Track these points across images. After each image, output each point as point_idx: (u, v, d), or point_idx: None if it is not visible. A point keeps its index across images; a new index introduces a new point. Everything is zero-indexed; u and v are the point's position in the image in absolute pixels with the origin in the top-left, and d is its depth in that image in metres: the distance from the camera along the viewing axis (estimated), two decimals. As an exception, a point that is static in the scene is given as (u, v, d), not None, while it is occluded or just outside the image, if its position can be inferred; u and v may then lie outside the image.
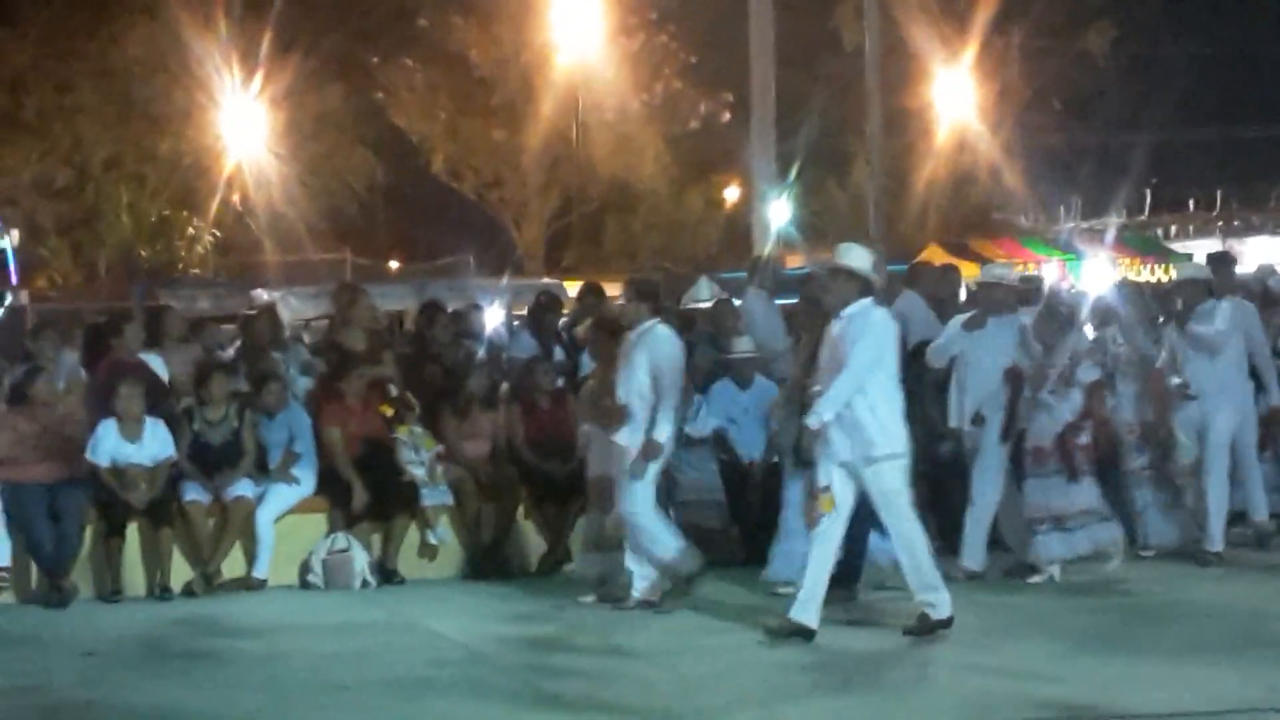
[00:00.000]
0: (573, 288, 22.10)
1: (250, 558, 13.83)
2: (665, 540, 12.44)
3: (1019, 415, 13.29)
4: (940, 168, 44.45)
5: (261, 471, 14.06)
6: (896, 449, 11.22)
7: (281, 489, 13.96)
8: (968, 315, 13.65)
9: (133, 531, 13.56)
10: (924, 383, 14.68)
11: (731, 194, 48.25)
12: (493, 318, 18.59)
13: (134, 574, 13.57)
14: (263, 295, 30.42)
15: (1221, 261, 15.59)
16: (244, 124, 40.93)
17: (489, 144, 43.64)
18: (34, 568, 13.47)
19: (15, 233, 36.29)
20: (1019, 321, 13.57)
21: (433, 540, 14.02)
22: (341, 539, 13.89)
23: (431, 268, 43.62)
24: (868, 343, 11.12)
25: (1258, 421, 14.64)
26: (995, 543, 13.72)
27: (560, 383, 15.17)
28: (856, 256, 11.42)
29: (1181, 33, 48.31)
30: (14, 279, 35.63)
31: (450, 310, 17.36)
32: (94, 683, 10.72)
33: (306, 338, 19.52)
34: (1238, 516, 14.70)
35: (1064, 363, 13.24)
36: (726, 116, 43.79)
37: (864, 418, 11.07)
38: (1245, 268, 24.32)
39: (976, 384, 13.47)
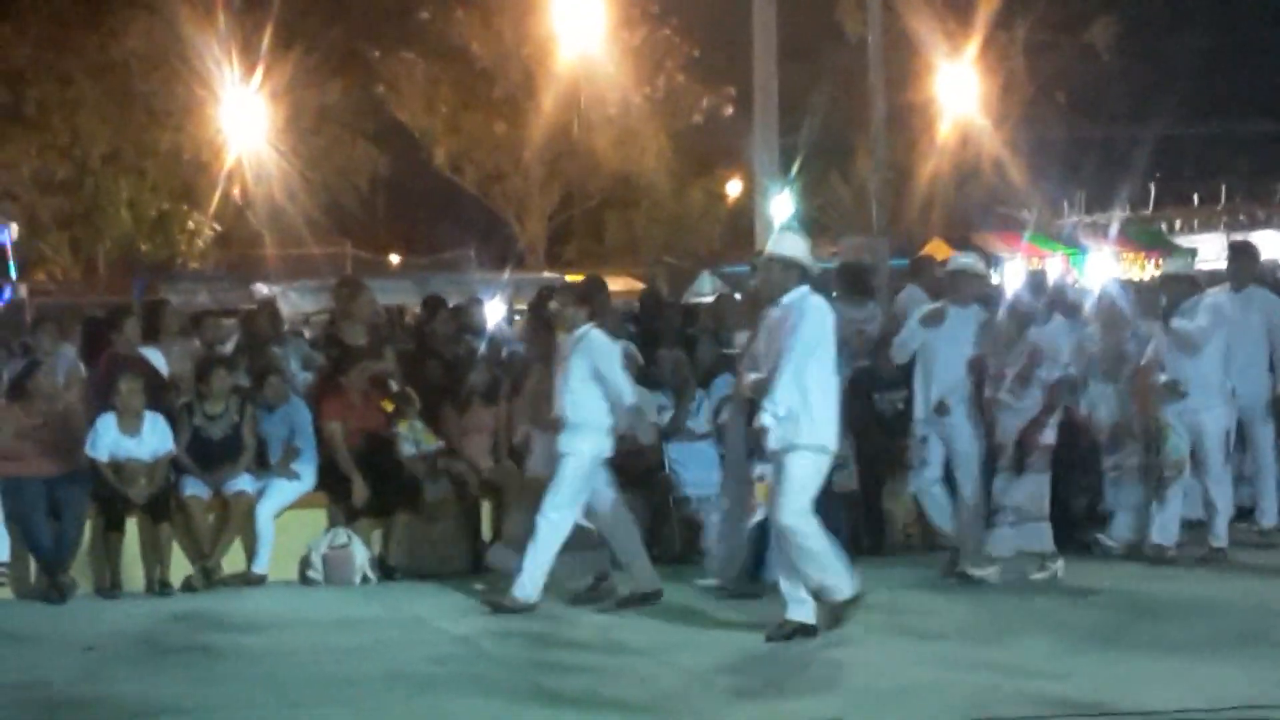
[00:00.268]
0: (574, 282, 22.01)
1: (250, 553, 13.80)
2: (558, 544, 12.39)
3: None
4: (944, 162, 44.40)
5: (261, 466, 14.03)
6: (821, 441, 11.03)
7: (281, 484, 13.91)
8: (927, 310, 13.58)
9: (132, 526, 13.53)
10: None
11: (734, 188, 48.24)
12: (494, 312, 18.53)
13: (133, 569, 13.54)
14: (263, 290, 30.40)
15: (1243, 252, 15.42)
16: (244, 118, 40.89)
17: (490, 138, 43.60)
18: (33, 563, 13.44)
19: (14, 227, 36.25)
20: (981, 312, 13.47)
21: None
22: (342, 534, 13.86)
23: (433, 262, 43.62)
24: (804, 331, 10.96)
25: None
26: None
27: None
28: (792, 245, 11.33)
29: (1186, 27, 48.29)
30: (13, 273, 35.60)
31: (451, 305, 17.32)
32: (93, 678, 10.69)
33: (307, 332, 19.49)
34: (1244, 512, 14.65)
35: (1022, 362, 13.09)
36: (729, 110, 43.73)
37: (796, 407, 10.91)
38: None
39: (940, 375, 13.39)
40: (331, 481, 14.04)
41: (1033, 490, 12.98)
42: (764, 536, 11.98)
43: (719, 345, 15.61)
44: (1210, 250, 37.19)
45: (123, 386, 13.65)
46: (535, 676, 10.40)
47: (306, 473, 14.03)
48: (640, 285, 25.36)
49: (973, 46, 43.49)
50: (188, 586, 13.49)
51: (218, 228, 43.06)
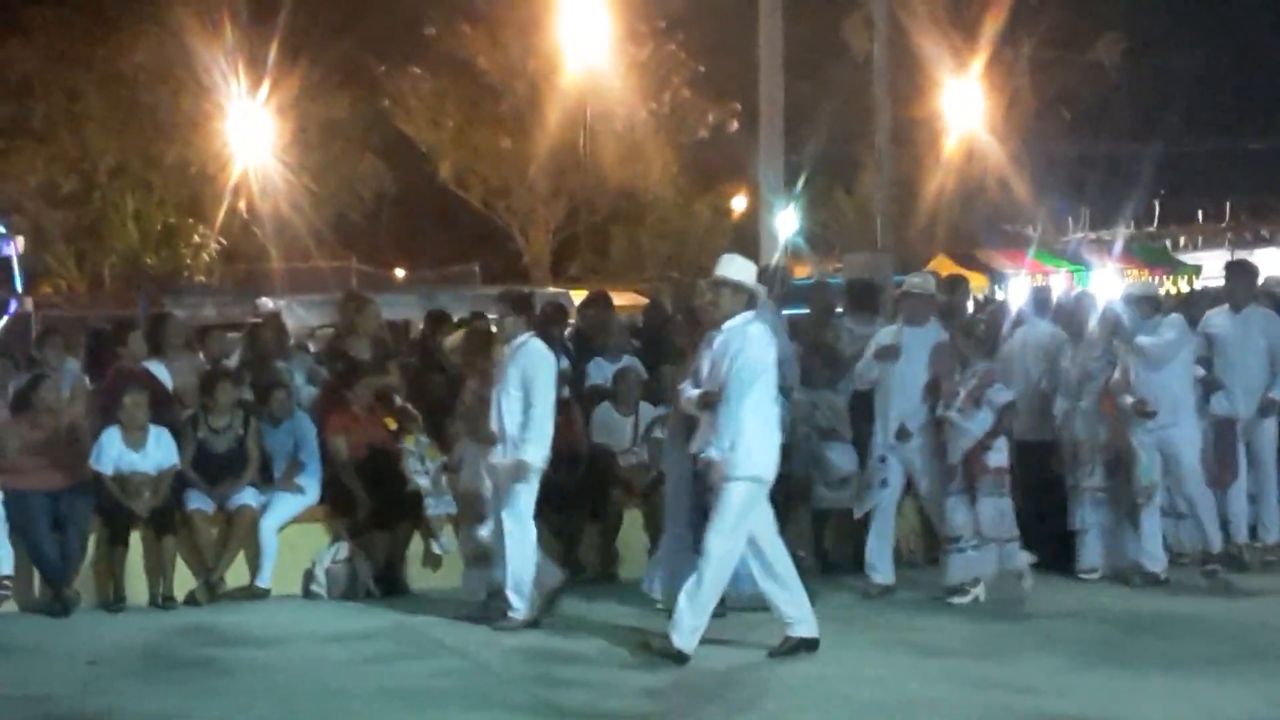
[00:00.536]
0: (579, 297, 22.05)
1: (254, 567, 13.78)
2: (529, 556, 12.38)
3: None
4: (949, 178, 44.43)
5: (266, 480, 14.03)
6: (752, 471, 10.95)
7: (285, 498, 13.91)
8: (881, 346, 13.54)
9: (136, 540, 13.51)
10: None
11: (739, 203, 48.26)
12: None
13: (137, 583, 13.52)
14: (268, 303, 30.40)
15: (1240, 271, 15.36)
16: (251, 132, 40.95)
17: (496, 152, 43.64)
18: (37, 576, 13.43)
19: (21, 240, 36.29)
20: (937, 333, 13.46)
21: (437, 550, 13.93)
22: (345, 548, 13.84)
23: (437, 276, 43.65)
24: (746, 359, 10.91)
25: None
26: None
27: (565, 392, 15.10)
28: (739, 269, 11.25)
29: (1192, 44, 48.31)
30: (19, 286, 35.63)
31: (455, 319, 17.32)
32: (97, 692, 10.69)
33: (312, 346, 19.48)
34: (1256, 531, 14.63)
35: (972, 383, 13.05)
36: (734, 126, 43.76)
37: (733, 437, 10.85)
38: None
39: (898, 398, 13.40)
40: (335, 496, 14.03)
41: (992, 514, 12.88)
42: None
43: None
44: (1214, 267, 37.19)
45: (127, 400, 13.66)
46: (536, 690, 10.42)
47: (310, 487, 14.02)
48: (645, 300, 25.34)
49: (978, 63, 43.55)
50: (191, 600, 13.48)
51: (223, 241, 43.09)
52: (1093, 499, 13.88)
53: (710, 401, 10.99)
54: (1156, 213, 52.46)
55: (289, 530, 13.86)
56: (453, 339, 14.62)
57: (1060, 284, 34.95)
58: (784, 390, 14.98)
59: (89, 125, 40.94)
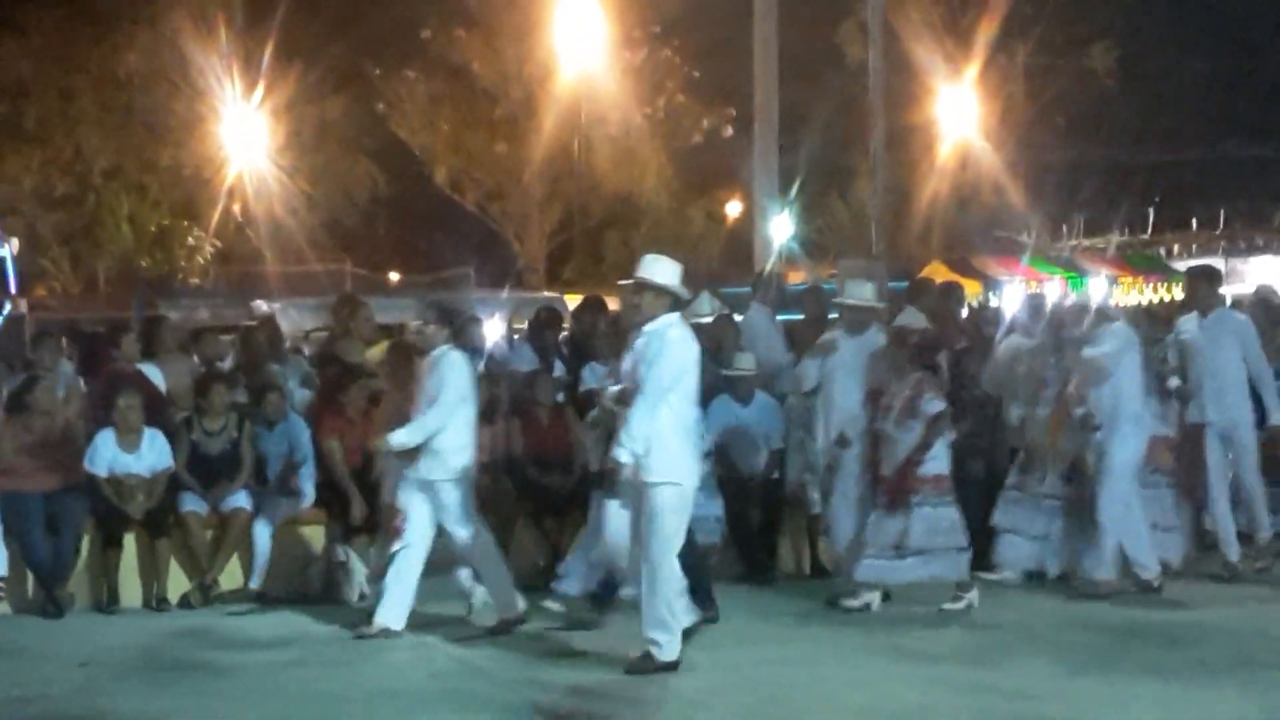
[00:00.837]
0: (574, 301, 22.05)
1: (248, 569, 13.78)
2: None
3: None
4: (943, 184, 44.46)
5: (260, 483, 14.04)
6: (673, 477, 10.82)
7: (279, 500, 13.92)
8: (820, 342, 13.65)
9: (130, 542, 13.54)
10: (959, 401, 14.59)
11: (733, 209, 48.27)
12: (493, 331, 18.52)
13: (131, 585, 13.54)
14: (262, 306, 30.39)
15: (1204, 277, 15.18)
16: (245, 134, 40.93)
17: (491, 156, 43.64)
18: (31, 578, 13.43)
19: (15, 241, 36.21)
20: (877, 342, 13.43)
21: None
22: (339, 551, 13.84)
23: (432, 280, 43.61)
24: (663, 363, 10.79)
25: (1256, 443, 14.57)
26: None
27: (560, 397, 15.12)
28: (662, 271, 11.10)
29: (1186, 52, 48.37)
30: (13, 288, 35.58)
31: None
32: (90, 694, 10.69)
33: (306, 349, 19.48)
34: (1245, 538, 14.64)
35: (906, 393, 12.98)
36: (729, 131, 43.78)
37: (649, 441, 10.74)
38: (1246, 288, 24.31)
39: (839, 406, 13.41)
40: (329, 498, 14.04)
41: (930, 524, 12.79)
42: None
43: (717, 366, 15.63)
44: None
45: (121, 402, 13.67)
46: (529, 695, 10.40)
47: (304, 489, 14.04)
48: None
49: (973, 70, 43.58)
50: (185, 603, 13.50)
51: (218, 244, 43.05)
52: (1049, 507, 13.80)
53: (625, 399, 10.88)
54: (1150, 220, 52.49)
55: (282, 533, 13.87)
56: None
57: (1055, 291, 34.92)
58: (780, 396, 15.09)
59: (84, 127, 40.90)
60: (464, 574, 12.77)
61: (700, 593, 11.80)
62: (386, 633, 11.97)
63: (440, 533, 12.29)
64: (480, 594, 12.74)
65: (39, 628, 12.90)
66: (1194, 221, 53.28)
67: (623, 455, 10.74)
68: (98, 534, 13.50)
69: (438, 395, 12.10)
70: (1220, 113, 51.94)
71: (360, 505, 13.78)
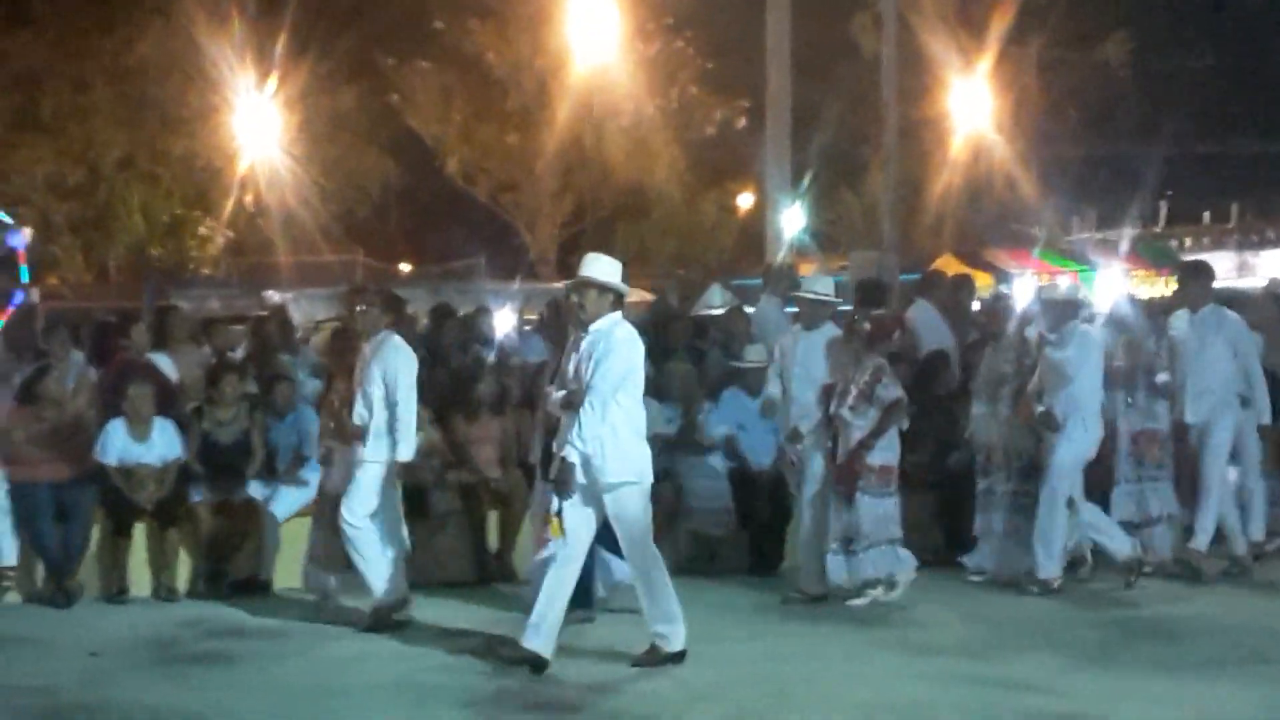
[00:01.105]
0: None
1: (257, 559, 13.79)
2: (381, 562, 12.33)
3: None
4: (955, 177, 44.36)
5: (270, 473, 14.04)
6: (631, 476, 10.75)
7: (289, 491, 13.92)
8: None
9: (140, 532, 13.55)
10: (932, 394, 14.67)
11: (745, 201, 48.21)
12: (503, 322, 18.52)
13: (140, 575, 13.55)
14: (274, 296, 30.42)
15: (1196, 272, 14.92)
16: (258, 125, 40.93)
17: (503, 148, 43.61)
18: (40, 567, 13.45)
19: (28, 231, 36.25)
20: (833, 335, 13.41)
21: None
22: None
23: (443, 271, 43.63)
24: (611, 363, 10.66)
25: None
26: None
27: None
28: (605, 269, 10.97)
29: (1200, 45, 48.29)
30: (25, 278, 35.62)
31: (460, 314, 17.32)
32: (99, 684, 10.72)
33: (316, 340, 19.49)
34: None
35: (864, 379, 12.95)
36: (742, 123, 43.72)
37: (602, 442, 10.63)
38: (1259, 281, 24.25)
39: (796, 399, 13.39)
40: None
41: (874, 514, 12.80)
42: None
43: (728, 357, 15.64)
44: (1221, 268, 37.21)
45: (132, 392, 13.69)
46: (538, 688, 10.42)
47: (314, 480, 14.01)
48: (651, 296, 25.34)
49: (986, 62, 43.48)
50: (194, 593, 13.51)
51: (230, 234, 43.07)
52: (1011, 503, 13.80)
53: (572, 404, 10.74)
54: (1163, 213, 52.45)
55: (292, 523, 13.86)
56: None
57: (1065, 284, 34.87)
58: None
59: (96, 117, 40.91)
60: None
61: (581, 592, 11.68)
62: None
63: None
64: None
65: (48, 617, 12.92)
66: (1207, 215, 53.23)
67: (572, 455, 10.59)
68: (107, 523, 13.53)
69: (393, 382, 12.09)
70: (1234, 106, 51.88)
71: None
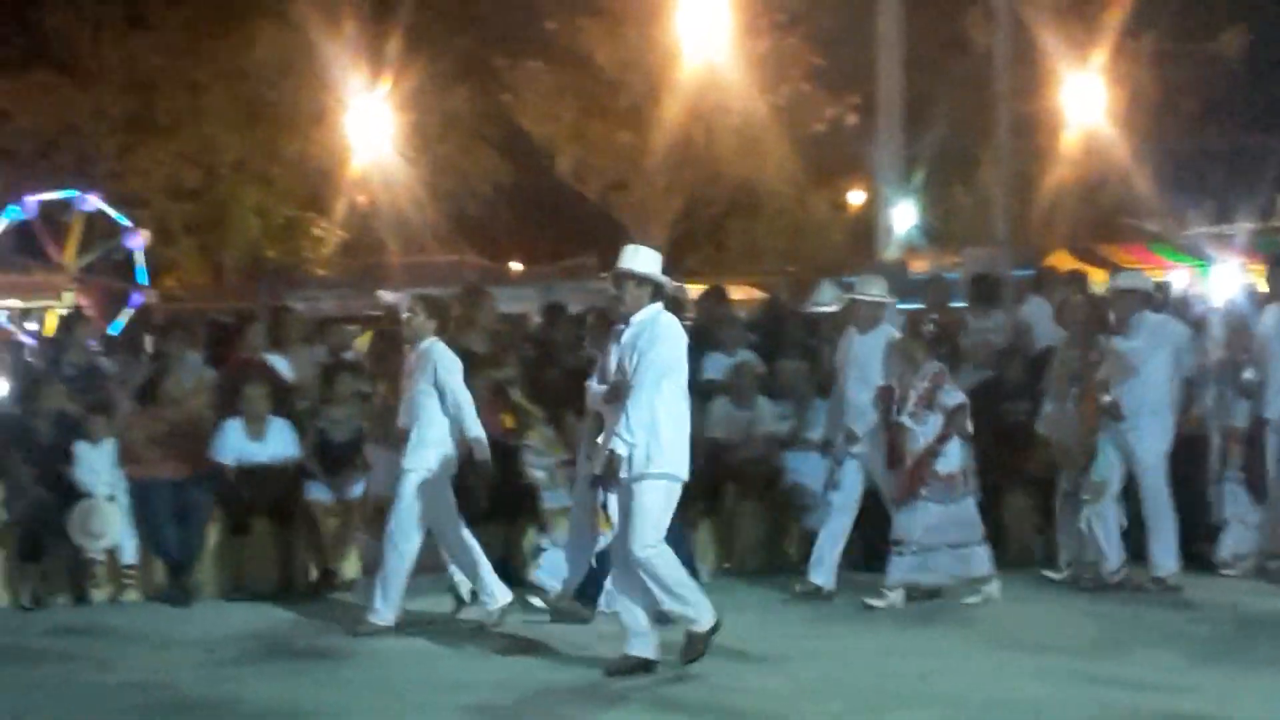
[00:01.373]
0: (696, 291, 22.04)
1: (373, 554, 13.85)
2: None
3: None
4: (1068, 172, 43.98)
5: (385, 471, 14.10)
6: (668, 469, 10.59)
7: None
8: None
9: (256, 530, 13.66)
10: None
11: (856, 197, 48.00)
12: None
13: (257, 572, 13.67)
14: (388, 296, 30.59)
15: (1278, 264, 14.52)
16: (370, 125, 41.22)
17: (614, 146, 43.61)
18: (159, 565, 13.60)
19: (145, 233, 36.74)
20: (888, 335, 13.27)
21: (546, 545, 13.92)
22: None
23: (555, 269, 43.72)
24: (655, 355, 10.51)
25: None
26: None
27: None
28: (644, 260, 10.83)
29: (1317, 36, 47.57)
30: (143, 279, 36.08)
31: (572, 312, 17.35)
32: (216, 680, 10.84)
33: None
34: None
35: (924, 386, 12.83)
36: (853, 119, 43.53)
37: (644, 433, 10.49)
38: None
39: (850, 401, 13.29)
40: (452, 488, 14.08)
41: (936, 519, 12.69)
42: (604, 563, 11.69)
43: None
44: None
45: (248, 392, 13.83)
46: (654, 686, 10.41)
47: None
48: (762, 294, 25.30)
49: (1100, 55, 43.07)
50: (310, 590, 13.61)
51: (343, 234, 43.40)
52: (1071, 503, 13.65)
53: (617, 395, 10.64)
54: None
55: (407, 521, 13.92)
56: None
57: (1181, 279, 34.49)
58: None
59: (212, 120, 41.35)
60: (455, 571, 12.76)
61: (592, 590, 11.79)
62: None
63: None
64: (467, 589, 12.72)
65: (167, 614, 13.07)
66: (1326, 208, 52.45)
67: (620, 447, 10.47)
68: (225, 522, 13.66)
69: (443, 387, 12.07)
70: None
71: (484, 495, 13.80)
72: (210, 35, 41.40)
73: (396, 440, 12.33)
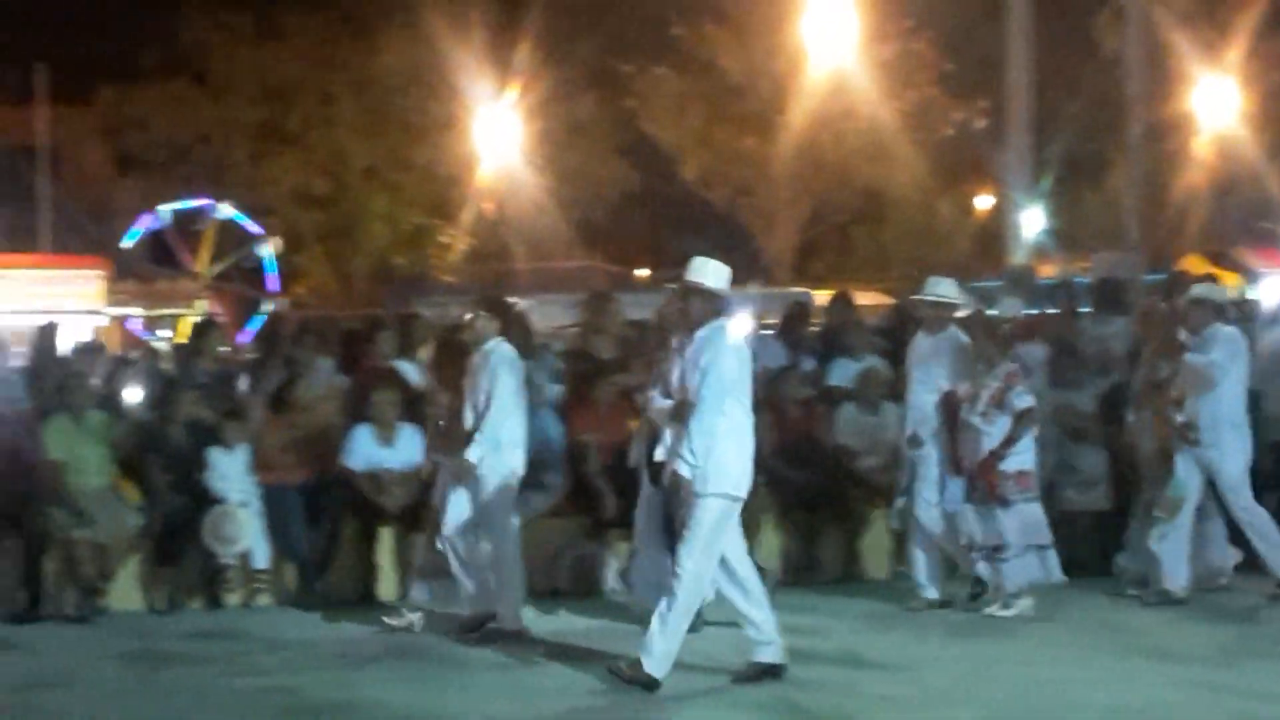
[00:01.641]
0: (823, 297, 22.00)
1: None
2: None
3: (955, 442, 12.85)
4: (1200, 175, 43.46)
5: (511, 477, 14.16)
6: (726, 489, 10.39)
7: (530, 495, 14.02)
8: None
9: (386, 535, 13.76)
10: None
11: (984, 202, 47.70)
12: (741, 326, 18.48)
13: (387, 577, 13.76)
14: (515, 303, 30.72)
15: None
16: (497, 133, 41.46)
17: (740, 152, 43.61)
18: (291, 570, 13.74)
19: (276, 241, 37.18)
20: (956, 338, 13.11)
21: None
22: (589, 546, 13.95)
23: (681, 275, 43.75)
24: (718, 372, 10.32)
25: None
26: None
27: (810, 392, 15.09)
28: (714, 274, 10.64)
29: None
30: (274, 286, 36.52)
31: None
32: (346, 685, 10.92)
33: (557, 345, 19.64)
34: None
35: (996, 385, 12.66)
36: (981, 124, 43.24)
37: (705, 452, 10.33)
38: None
39: (914, 404, 13.17)
40: (578, 493, 14.14)
41: (1019, 521, 12.55)
42: None
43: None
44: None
45: (378, 398, 13.92)
46: (782, 692, 10.38)
47: (554, 484, 14.15)
48: (888, 300, 25.20)
49: (1233, 58, 42.54)
50: (438, 595, 13.67)
51: (470, 241, 43.67)
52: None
53: (682, 413, 10.47)
54: None
55: (533, 527, 13.97)
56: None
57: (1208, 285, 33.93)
58: (1036, 392, 14.90)
59: (342, 128, 41.80)
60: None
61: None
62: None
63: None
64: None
65: (298, 618, 13.20)
66: None
67: (683, 469, 10.38)
68: (355, 527, 13.77)
69: (491, 390, 12.02)
70: None
71: (612, 500, 13.85)
72: (340, 45, 41.88)
73: (460, 445, 12.21)
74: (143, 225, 36.39)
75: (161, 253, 37.46)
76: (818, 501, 14.15)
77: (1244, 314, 15.90)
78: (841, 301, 17.43)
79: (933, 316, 13.28)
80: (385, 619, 12.61)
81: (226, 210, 36.76)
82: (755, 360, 15.93)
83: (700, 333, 10.53)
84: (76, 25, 44.58)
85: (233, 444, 13.79)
